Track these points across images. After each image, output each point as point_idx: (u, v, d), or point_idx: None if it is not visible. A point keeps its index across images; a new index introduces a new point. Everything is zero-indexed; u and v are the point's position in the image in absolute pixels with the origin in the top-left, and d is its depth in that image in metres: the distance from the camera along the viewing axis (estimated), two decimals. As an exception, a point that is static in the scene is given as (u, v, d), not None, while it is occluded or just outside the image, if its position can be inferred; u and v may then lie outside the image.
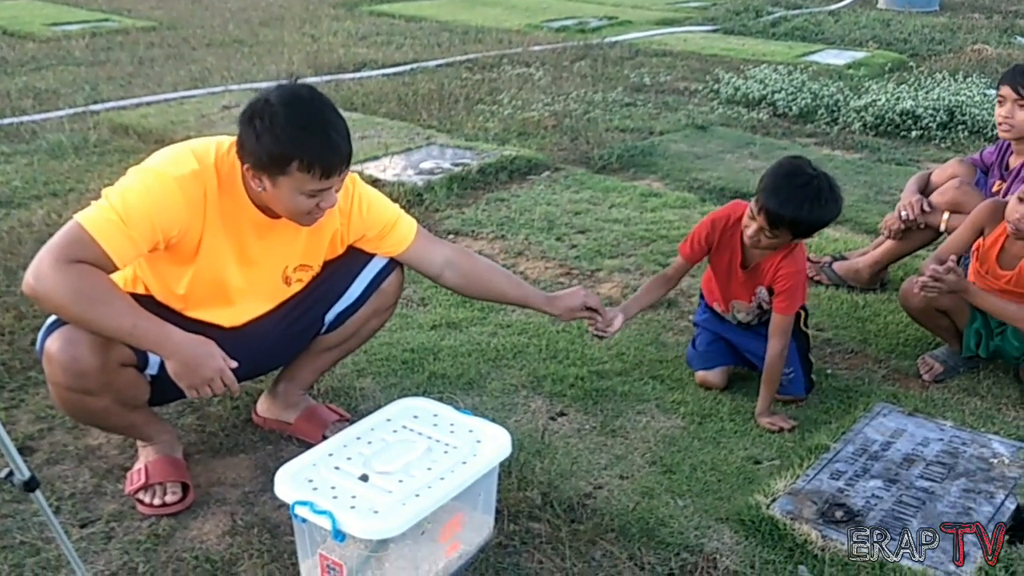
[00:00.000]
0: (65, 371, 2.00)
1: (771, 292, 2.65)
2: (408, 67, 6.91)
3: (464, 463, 2.00)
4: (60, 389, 2.05)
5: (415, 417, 2.18)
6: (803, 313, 2.81)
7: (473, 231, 3.86)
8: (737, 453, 2.50)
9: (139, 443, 2.35)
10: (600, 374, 2.89)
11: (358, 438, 2.09)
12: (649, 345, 3.07)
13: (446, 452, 2.04)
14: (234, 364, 2.05)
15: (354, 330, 2.45)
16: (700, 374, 2.84)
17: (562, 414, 2.70)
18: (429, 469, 1.97)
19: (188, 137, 4.94)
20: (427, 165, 4.48)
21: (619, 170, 4.69)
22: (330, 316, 2.39)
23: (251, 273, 2.21)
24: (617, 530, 2.19)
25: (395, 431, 2.11)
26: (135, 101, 5.75)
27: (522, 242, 3.78)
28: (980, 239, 2.82)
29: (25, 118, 5.38)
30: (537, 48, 7.60)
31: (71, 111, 5.51)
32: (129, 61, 6.86)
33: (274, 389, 2.56)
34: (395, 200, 4.04)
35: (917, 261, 3.58)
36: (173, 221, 2.02)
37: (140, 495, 2.22)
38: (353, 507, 1.86)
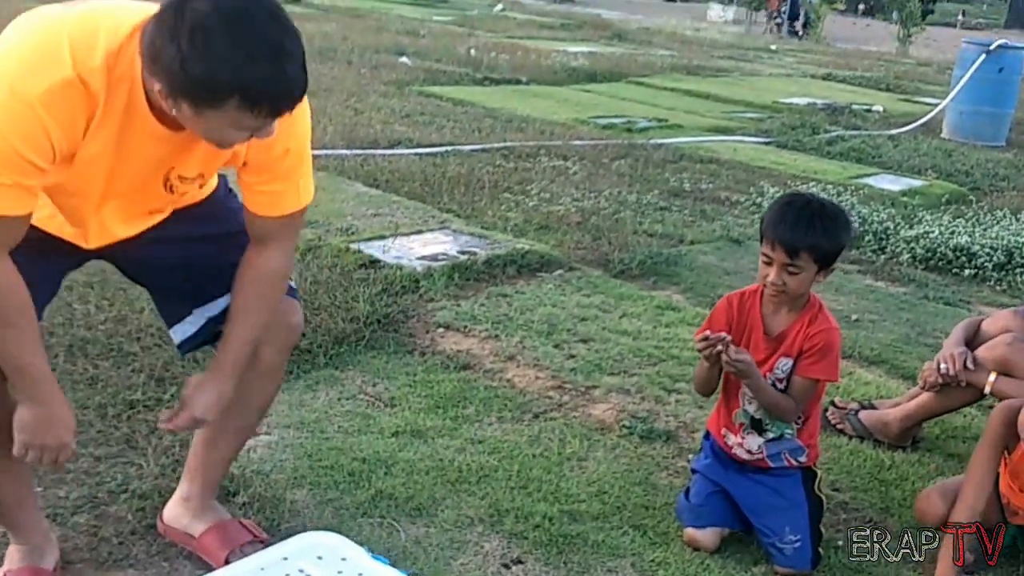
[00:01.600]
0: None
1: (795, 364, 2.34)
2: (443, 149, 6.67)
3: (361, 629, 1.61)
4: None
5: (319, 558, 1.80)
6: (817, 475, 2.42)
7: (465, 327, 3.50)
8: (718, 638, 2.06)
9: (11, 541, 1.98)
10: (573, 515, 2.48)
11: (242, 577, 1.71)
12: (637, 485, 2.66)
13: (341, 612, 1.65)
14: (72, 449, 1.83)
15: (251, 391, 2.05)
16: (689, 532, 2.42)
17: (519, 561, 2.29)
18: (314, 633, 1.58)
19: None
20: (432, 250, 4.16)
21: (638, 277, 4.33)
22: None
23: (124, 178, 1.77)
24: None
25: (287, 574, 1.73)
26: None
27: (516, 345, 3.41)
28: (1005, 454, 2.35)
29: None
30: (578, 143, 7.35)
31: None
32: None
33: (182, 489, 2.19)
34: (389, 284, 3.77)
35: (958, 419, 3.13)
36: (41, 153, 1.57)
37: None
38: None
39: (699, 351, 2.33)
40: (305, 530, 2.29)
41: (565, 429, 2.89)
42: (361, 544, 1.82)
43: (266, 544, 2.16)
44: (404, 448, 2.70)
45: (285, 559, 1.77)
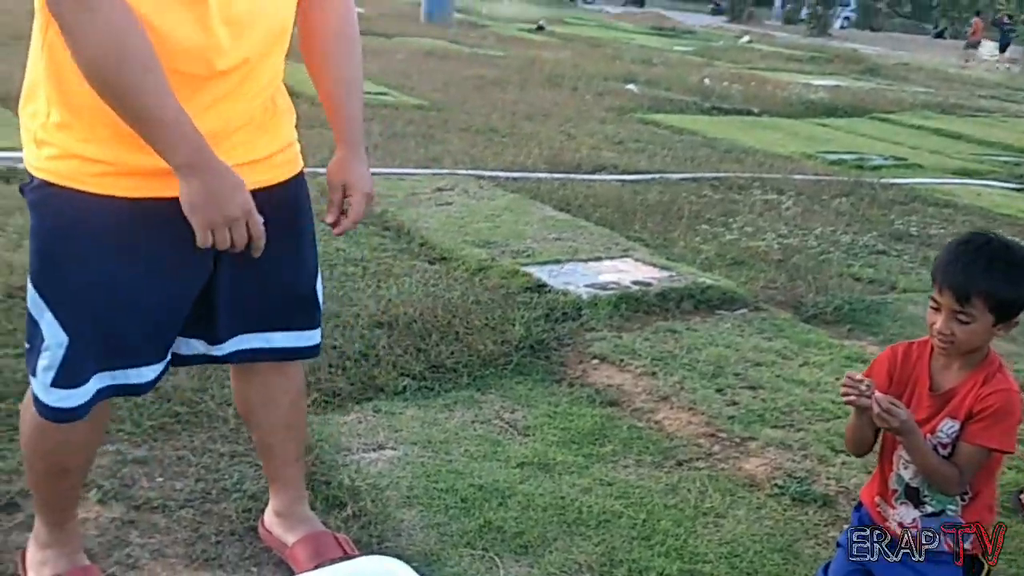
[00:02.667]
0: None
1: (963, 428, 1.98)
2: (648, 177, 6.49)
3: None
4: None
5: (375, 585, 1.68)
6: (985, 567, 2.04)
7: (621, 360, 3.30)
8: None
9: (34, 549, 1.93)
10: (694, 575, 2.23)
11: (289, 596, 1.62)
12: (777, 552, 2.36)
13: (378, 646, 1.52)
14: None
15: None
16: (822, 612, 2.11)
17: (621, 618, 2.08)
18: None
19: (385, 211, 4.87)
20: (605, 279, 3.99)
21: (832, 323, 3.95)
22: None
23: None
24: None
25: (336, 598, 1.63)
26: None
27: (673, 385, 3.17)
28: None
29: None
30: (798, 177, 6.92)
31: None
32: (379, 133, 6.97)
33: (273, 503, 2.17)
34: (551, 309, 3.64)
35: None
36: None
37: None
38: None
39: (842, 397, 2.03)
40: (406, 551, 2.21)
41: (708, 481, 2.64)
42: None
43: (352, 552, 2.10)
44: (526, 480, 2.55)
45: (340, 583, 1.68)
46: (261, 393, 2.02)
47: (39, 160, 1.62)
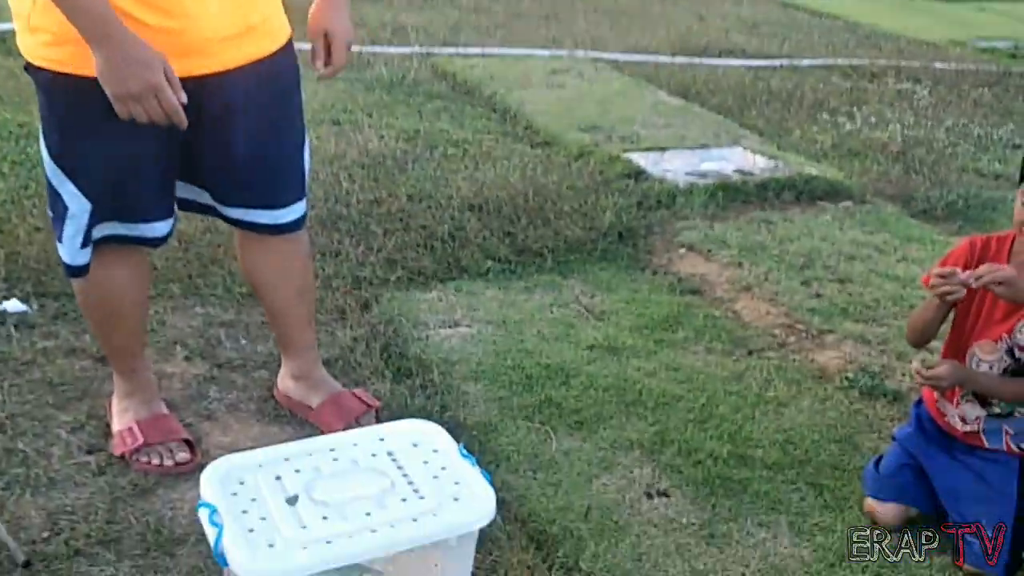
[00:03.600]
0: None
1: None
2: (775, 63, 6.24)
3: (414, 520, 1.60)
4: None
5: (413, 445, 1.80)
6: None
7: (709, 250, 3.29)
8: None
9: (117, 399, 2.12)
10: (743, 459, 2.27)
11: (331, 449, 1.76)
12: (835, 443, 2.37)
13: (404, 500, 1.64)
14: (183, 97, 1.66)
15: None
16: (869, 502, 2.12)
17: (663, 494, 2.15)
18: (368, 514, 1.60)
19: (495, 93, 4.89)
20: (707, 167, 3.93)
21: (942, 219, 3.79)
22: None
23: None
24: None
25: (374, 454, 1.76)
26: (477, 51, 5.76)
27: (758, 276, 3.14)
28: None
29: (376, 48, 5.62)
30: (940, 65, 6.50)
31: (413, 50, 5.65)
32: (503, 12, 6.94)
33: (288, 367, 2.27)
34: (645, 197, 3.63)
35: None
36: None
37: (139, 456, 2.03)
38: (252, 530, 1.54)
39: (931, 289, 1.98)
40: (465, 420, 2.33)
41: (775, 372, 2.64)
42: (460, 443, 1.80)
43: (378, 411, 2.25)
44: (593, 362, 2.62)
45: (381, 440, 1.80)
46: (268, 261, 2.11)
47: (36, 48, 1.71)
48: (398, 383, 2.43)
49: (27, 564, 1.73)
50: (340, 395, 2.24)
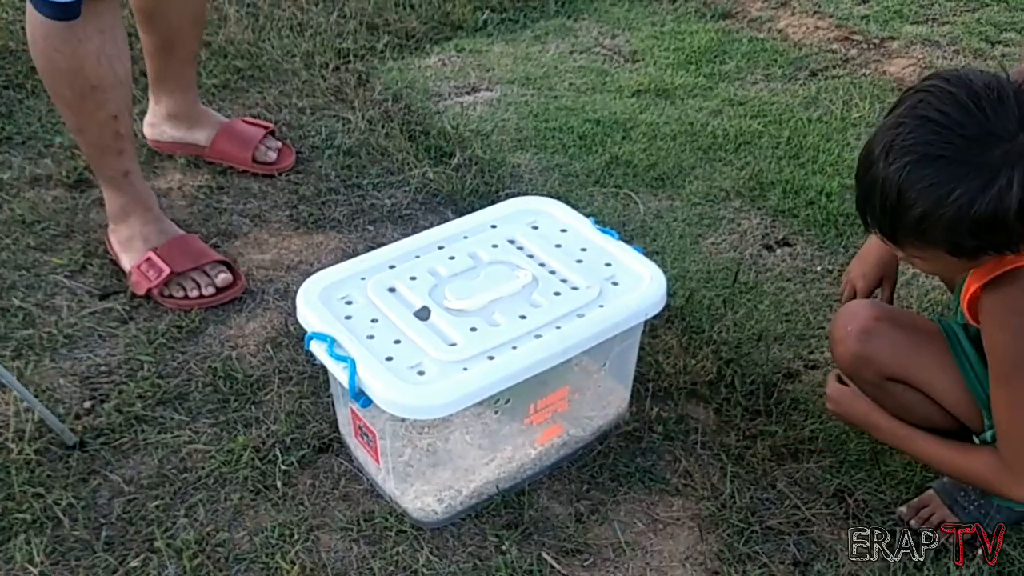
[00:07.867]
0: None
1: None
2: None
3: (580, 316, 1.25)
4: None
5: (534, 228, 1.43)
6: None
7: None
8: None
9: (114, 227, 1.67)
10: (857, 192, 1.97)
11: (440, 247, 1.38)
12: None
13: (558, 294, 1.29)
14: None
15: None
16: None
17: (785, 243, 1.85)
18: (523, 317, 1.24)
19: None
20: None
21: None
22: None
23: None
24: (821, 451, 1.41)
25: (495, 245, 1.38)
26: None
27: (792, -11, 2.75)
28: None
29: None
30: None
31: None
32: None
33: (162, 107, 1.92)
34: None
35: None
36: None
37: (170, 291, 1.61)
38: (390, 359, 1.18)
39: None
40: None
41: (852, 88, 2.31)
42: (589, 216, 1.45)
43: (276, 132, 2.03)
44: (646, 109, 2.24)
45: (494, 227, 1.43)
46: None
47: None
48: (438, 165, 2.02)
49: (81, 445, 1.35)
50: (231, 123, 1.97)
